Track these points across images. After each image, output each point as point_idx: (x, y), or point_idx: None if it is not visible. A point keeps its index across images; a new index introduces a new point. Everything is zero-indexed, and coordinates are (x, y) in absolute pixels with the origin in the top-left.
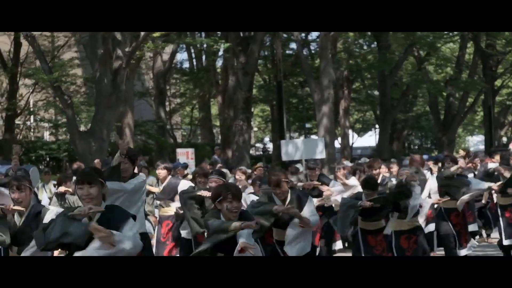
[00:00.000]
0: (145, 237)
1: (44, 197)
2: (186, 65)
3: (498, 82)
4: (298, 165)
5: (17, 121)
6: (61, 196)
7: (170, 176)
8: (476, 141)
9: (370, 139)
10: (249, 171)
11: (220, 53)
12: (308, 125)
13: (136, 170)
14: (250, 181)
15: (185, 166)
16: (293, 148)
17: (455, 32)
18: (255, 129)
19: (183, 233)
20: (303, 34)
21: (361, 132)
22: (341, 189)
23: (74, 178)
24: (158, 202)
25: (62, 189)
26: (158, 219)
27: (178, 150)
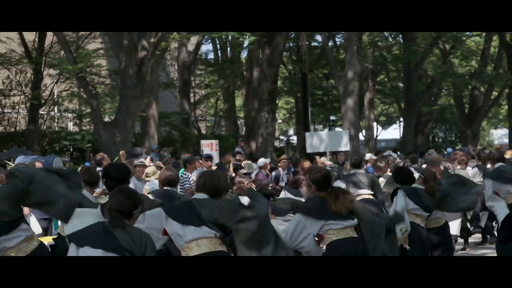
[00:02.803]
0: None
1: None
2: (211, 56)
3: None
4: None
5: (41, 112)
6: None
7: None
8: (500, 135)
9: (395, 132)
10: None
11: (245, 44)
12: (332, 117)
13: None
14: (273, 173)
15: (207, 156)
16: (318, 140)
17: None
18: (280, 121)
19: None
20: None
21: (385, 124)
22: None
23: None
24: None
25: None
26: None
27: (202, 142)
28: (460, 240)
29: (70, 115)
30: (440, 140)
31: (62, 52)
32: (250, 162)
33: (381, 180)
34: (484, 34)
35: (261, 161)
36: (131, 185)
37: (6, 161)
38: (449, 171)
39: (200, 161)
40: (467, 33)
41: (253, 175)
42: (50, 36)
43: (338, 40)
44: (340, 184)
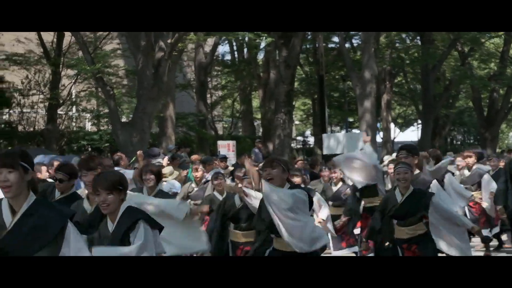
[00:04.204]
0: None
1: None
2: (228, 57)
3: None
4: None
5: (59, 111)
6: None
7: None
8: None
9: (412, 134)
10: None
11: (262, 46)
12: (349, 119)
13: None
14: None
15: (223, 157)
16: (335, 141)
17: None
18: (297, 122)
19: None
20: None
21: (403, 126)
22: None
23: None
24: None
25: None
26: None
27: (219, 143)
28: None
29: (88, 115)
30: (459, 142)
31: (80, 53)
32: None
33: None
34: (503, 35)
35: None
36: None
37: None
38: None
39: (216, 161)
40: (486, 34)
41: None
42: (68, 37)
43: (355, 41)
44: None
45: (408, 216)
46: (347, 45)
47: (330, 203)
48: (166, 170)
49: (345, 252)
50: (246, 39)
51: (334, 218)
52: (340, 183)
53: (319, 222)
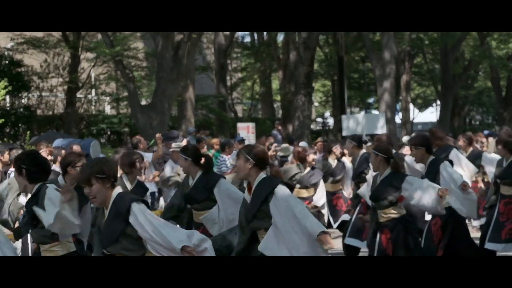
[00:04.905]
0: None
1: None
2: (248, 39)
3: None
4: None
5: (78, 95)
6: None
7: None
8: None
9: (431, 115)
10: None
11: None
12: (369, 100)
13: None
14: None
15: (240, 140)
16: (354, 123)
17: None
18: (316, 104)
19: None
20: None
21: (422, 107)
22: None
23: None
24: None
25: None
26: None
27: (239, 125)
28: None
29: (107, 98)
30: (477, 122)
31: (99, 36)
32: (287, 145)
33: None
34: None
35: (301, 143)
36: (168, 168)
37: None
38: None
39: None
40: None
41: (289, 158)
42: None
43: None
44: None
45: (379, 200)
46: None
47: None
48: None
49: (359, 244)
50: None
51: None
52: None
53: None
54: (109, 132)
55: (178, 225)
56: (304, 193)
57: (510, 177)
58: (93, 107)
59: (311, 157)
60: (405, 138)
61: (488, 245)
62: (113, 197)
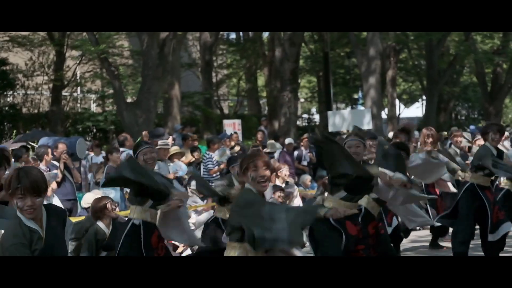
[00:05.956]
0: None
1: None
2: (233, 36)
3: None
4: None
5: (64, 93)
6: None
7: None
8: None
9: (417, 110)
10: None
11: None
12: (355, 96)
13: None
14: (296, 152)
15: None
16: (340, 119)
17: None
18: (302, 100)
19: None
20: None
21: (408, 103)
22: None
23: (121, 149)
24: None
25: None
26: None
27: (225, 121)
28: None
29: (92, 96)
30: (463, 118)
31: (85, 34)
32: (273, 141)
33: None
34: None
35: (287, 140)
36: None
37: (30, 143)
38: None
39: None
40: None
41: (276, 154)
42: None
43: None
44: None
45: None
46: None
47: None
48: (173, 149)
49: None
50: None
51: None
52: None
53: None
54: (94, 130)
55: None
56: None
57: None
58: (78, 105)
59: (283, 172)
60: (391, 134)
61: None
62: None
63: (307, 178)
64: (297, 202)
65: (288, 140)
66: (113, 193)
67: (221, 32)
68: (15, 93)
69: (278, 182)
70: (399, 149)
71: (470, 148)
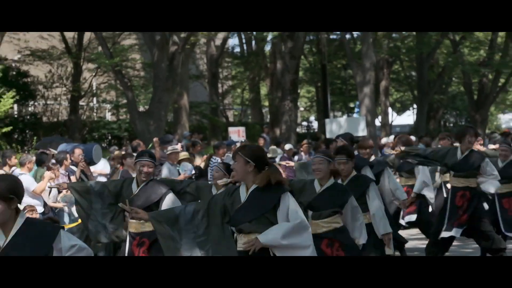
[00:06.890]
0: None
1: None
2: (237, 49)
3: None
4: None
5: (81, 103)
6: None
7: None
8: (507, 119)
9: (409, 118)
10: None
11: (269, 38)
12: (350, 105)
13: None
14: (296, 157)
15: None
16: (337, 126)
17: None
18: (301, 109)
19: None
20: None
21: (400, 111)
22: None
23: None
24: None
25: None
26: None
27: (230, 129)
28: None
29: (107, 105)
30: (451, 125)
31: (100, 48)
32: (274, 147)
33: None
34: None
35: (288, 146)
36: (165, 170)
37: (50, 149)
38: None
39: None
40: None
41: (277, 159)
42: (88, 33)
43: (355, 33)
44: None
45: (322, 209)
46: (347, 36)
47: None
48: (182, 154)
49: None
50: (254, 33)
51: None
52: None
53: None
54: (109, 137)
55: None
56: None
57: (464, 170)
58: (94, 114)
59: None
60: (384, 140)
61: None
62: (19, 223)
63: None
64: None
65: (288, 146)
66: None
67: (226, 46)
68: (36, 103)
69: None
70: None
71: None
